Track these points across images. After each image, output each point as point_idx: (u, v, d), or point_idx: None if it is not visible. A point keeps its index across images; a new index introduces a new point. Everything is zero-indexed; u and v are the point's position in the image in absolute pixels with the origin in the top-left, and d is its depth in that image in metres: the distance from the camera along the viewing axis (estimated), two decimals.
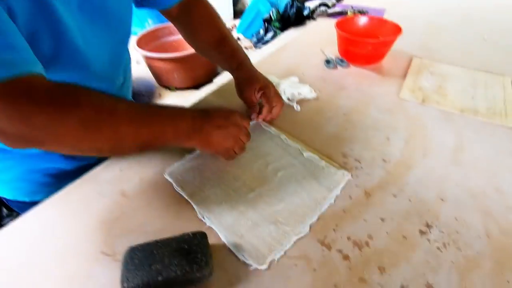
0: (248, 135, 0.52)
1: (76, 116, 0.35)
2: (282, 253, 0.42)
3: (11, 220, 0.48)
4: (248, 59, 0.64)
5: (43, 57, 0.40)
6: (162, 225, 0.46)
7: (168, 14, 0.63)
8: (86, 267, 0.41)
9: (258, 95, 0.59)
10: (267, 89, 0.60)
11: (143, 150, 0.48)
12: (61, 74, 0.46)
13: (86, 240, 0.44)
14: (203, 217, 0.46)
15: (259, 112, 0.61)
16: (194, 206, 0.48)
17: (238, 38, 2.78)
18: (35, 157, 0.56)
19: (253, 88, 0.59)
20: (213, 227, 0.45)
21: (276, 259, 0.41)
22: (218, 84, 0.77)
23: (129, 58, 0.66)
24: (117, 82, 0.61)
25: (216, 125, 0.47)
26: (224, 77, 0.81)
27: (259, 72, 0.62)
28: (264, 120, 0.62)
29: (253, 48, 2.57)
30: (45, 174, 0.58)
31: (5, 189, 0.59)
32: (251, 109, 0.61)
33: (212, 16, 0.64)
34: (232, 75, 0.64)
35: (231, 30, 2.92)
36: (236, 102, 0.64)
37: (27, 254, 0.43)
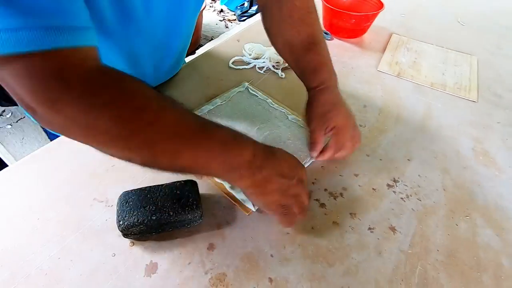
0: (308, 197, 0.42)
1: (108, 115, 0.28)
2: None
3: None
4: (335, 79, 0.52)
5: (98, 19, 0.39)
6: (153, 177, 0.48)
7: None
8: (80, 211, 0.43)
9: (328, 134, 0.50)
10: (342, 132, 0.49)
11: (184, 173, 0.35)
12: (116, 39, 0.46)
13: (77, 188, 0.46)
14: None
15: (321, 151, 0.50)
16: None
17: (222, 10, 2.70)
18: None
19: (325, 127, 0.49)
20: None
21: None
22: (198, 54, 0.78)
23: (192, 28, 0.62)
24: (174, 50, 0.59)
25: (280, 171, 0.37)
26: (206, 48, 0.81)
27: (343, 102, 0.51)
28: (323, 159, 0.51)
29: (237, 21, 2.52)
30: None
31: None
32: (312, 145, 0.51)
33: (307, 12, 0.51)
34: (308, 92, 0.53)
35: (214, 1, 2.82)
36: (211, 73, 0.65)
37: (21, 200, 0.44)
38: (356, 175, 0.51)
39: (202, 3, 0.56)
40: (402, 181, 0.51)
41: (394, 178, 0.51)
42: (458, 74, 0.75)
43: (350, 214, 0.46)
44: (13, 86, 0.26)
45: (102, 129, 0.29)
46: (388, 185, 0.50)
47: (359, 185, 0.50)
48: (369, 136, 0.58)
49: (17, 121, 0.80)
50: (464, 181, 0.52)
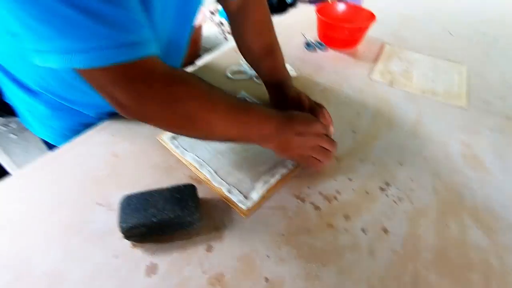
0: (332, 143, 0.49)
1: (182, 109, 0.39)
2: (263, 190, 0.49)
3: None
4: (290, 76, 0.64)
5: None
6: (153, 182, 0.50)
7: (227, 8, 0.61)
8: (82, 215, 0.45)
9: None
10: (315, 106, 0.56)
11: (226, 142, 0.51)
12: None
13: (80, 193, 0.48)
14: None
15: None
16: (191, 161, 0.53)
17: (221, 23, 2.77)
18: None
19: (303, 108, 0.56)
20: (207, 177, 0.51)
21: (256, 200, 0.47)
22: (198, 65, 0.81)
23: (187, 45, 0.65)
24: (176, 57, 0.63)
25: (296, 131, 0.47)
26: (205, 59, 0.84)
27: (299, 90, 0.60)
28: None
29: None
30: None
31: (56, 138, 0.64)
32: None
33: (267, 23, 0.62)
34: (269, 90, 0.63)
35: (214, 14, 2.90)
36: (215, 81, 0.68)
37: (25, 206, 0.46)
38: (350, 179, 0.53)
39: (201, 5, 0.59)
40: (394, 184, 0.53)
41: (386, 182, 0.53)
42: (448, 82, 0.78)
43: (344, 216, 0.47)
44: (111, 90, 0.36)
45: (175, 119, 0.40)
46: (381, 189, 0.52)
47: (352, 189, 0.51)
48: (362, 141, 0.60)
49: (21, 132, 0.82)
50: (454, 184, 0.53)
